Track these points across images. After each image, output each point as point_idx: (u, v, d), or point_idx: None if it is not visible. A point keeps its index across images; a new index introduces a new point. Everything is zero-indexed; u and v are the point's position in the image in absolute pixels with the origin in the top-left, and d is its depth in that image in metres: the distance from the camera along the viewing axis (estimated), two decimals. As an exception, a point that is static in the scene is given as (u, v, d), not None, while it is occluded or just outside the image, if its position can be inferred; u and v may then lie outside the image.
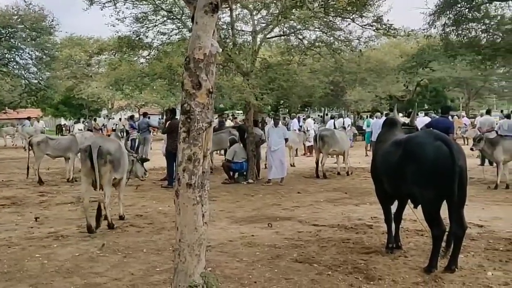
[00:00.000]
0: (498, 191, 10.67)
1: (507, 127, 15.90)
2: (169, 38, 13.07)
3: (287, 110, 39.94)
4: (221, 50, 4.20)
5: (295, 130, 19.59)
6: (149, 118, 19.21)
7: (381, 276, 5.06)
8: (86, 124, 29.69)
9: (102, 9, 12.50)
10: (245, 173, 12.66)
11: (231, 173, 12.70)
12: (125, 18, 12.76)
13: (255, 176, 12.70)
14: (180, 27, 12.82)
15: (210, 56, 4.09)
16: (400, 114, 16.56)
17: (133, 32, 12.91)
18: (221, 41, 11.78)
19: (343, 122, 18.03)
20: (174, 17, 12.61)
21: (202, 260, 4.19)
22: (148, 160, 9.51)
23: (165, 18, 12.78)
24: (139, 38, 12.98)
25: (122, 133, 24.28)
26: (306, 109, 44.84)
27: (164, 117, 12.75)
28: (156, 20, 12.83)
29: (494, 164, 14.23)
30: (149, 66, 13.71)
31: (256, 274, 5.20)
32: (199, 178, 4.12)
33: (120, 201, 8.05)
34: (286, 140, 12.79)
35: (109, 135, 18.00)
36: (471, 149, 11.74)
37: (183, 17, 12.38)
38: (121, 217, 7.95)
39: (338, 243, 6.38)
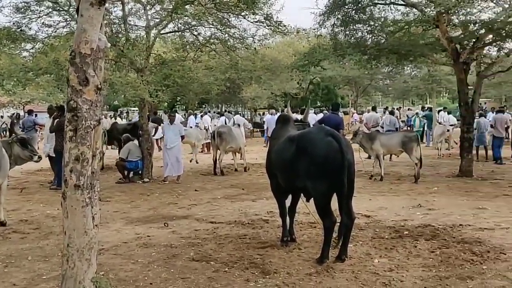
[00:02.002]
0: (383, 183, 11.44)
1: (389, 122, 17.19)
2: (55, 31, 12.23)
3: (184, 107, 39.66)
4: (109, 45, 4.01)
5: (191, 127, 19.50)
6: (36, 116, 17.99)
7: (276, 269, 5.17)
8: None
9: (-24, -3, 11.45)
10: (140, 172, 12.32)
11: (126, 172, 12.28)
12: (3, 7, 11.77)
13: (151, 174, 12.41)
14: (68, 19, 12.05)
15: (98, 51, 3.90)
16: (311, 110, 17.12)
17: (13, 23, 11.90)
18: (113, 35, 11.33)
19: (233, 120, 18.28)
20: (61, 9, 11.84)
21: (93, 265, 4.00)
22: (24, 139, 8.48)
23: (50, 9, 11.94)
24: (21, 30, 11.98)
25: (5, 132, 22.54)
26: (204, 106, 44.83)
27: (47, 115, 11.85)
28: (40, 11, 11.92)
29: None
30: (33, 60, 12.75)
31: (152, 275, 5.07)
32: (88, 178, 3.92)
33: (0, 205, 7.41)
34: (183, 137, 12.62)
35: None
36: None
37: (70, 9, 11.66)
38: (2, 223, 7.33)
39: (235, 240, 6.43)
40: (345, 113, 34.03)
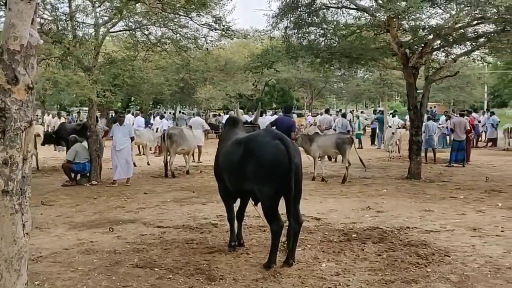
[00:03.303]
0: (334, 185, 11.49)
1: (341, 124, 17.40)
2: (-5, 26, 11.65)
3: (139, 107, 38.97)
4: (42, 42, 3.77)
5: (139, 128, 19.01)
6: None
7: (222, 275, 5.05)
8: None
9: None
10: (88, 174, 11.90)
11: (73, 175, 11.84)
12: None
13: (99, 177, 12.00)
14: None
15: (30, 48, 3.65)
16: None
17: None
18: (59, 32, 10.90)
19: (186, 122, 18.09)
20: (1, 3, 11.29)
21: (23, 276, 3.74)
22: None
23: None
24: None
25: None
26: (158, 106, 44.25)
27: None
28: (-24, 5, 11.32)
29: (333, 159, 15.45)
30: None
31: (91, 284, 4.84)
32: (18, 184, 3.66)
33: None
34: (132, 139, 12.27)
35: None
36: None
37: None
38: None
39: (181, 245, 6.25)
40: (300, 115, 34.35)
